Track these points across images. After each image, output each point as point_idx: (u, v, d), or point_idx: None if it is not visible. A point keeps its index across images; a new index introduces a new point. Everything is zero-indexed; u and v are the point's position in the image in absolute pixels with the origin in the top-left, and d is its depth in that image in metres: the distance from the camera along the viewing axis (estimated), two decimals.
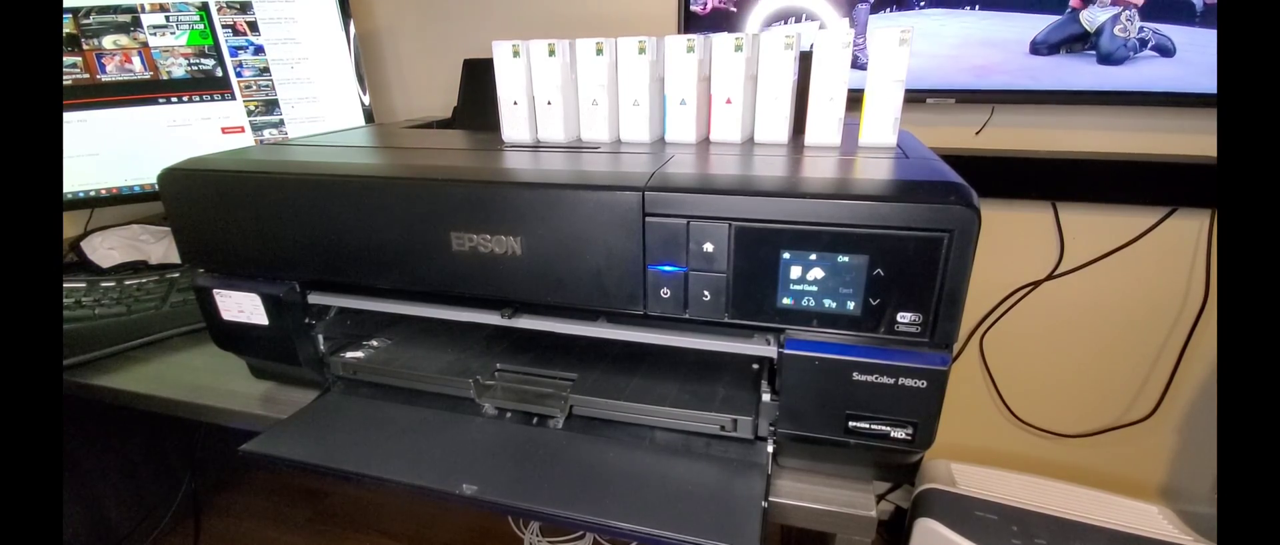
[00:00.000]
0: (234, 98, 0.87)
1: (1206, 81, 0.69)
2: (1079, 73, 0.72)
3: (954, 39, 0.74)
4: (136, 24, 0.80)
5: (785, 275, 0.37)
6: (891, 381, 0.37)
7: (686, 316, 0.40)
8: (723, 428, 0.44)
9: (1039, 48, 0.73)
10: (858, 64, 0.44)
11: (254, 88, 0.87)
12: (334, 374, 0.54)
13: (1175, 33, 0.67)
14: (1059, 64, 0.73)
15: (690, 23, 0.84)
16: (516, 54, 0.53)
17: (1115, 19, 0.66)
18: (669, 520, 0.37)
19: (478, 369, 0.51)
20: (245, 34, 0.85)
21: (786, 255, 0.37)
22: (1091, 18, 0.67)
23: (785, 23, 0.81)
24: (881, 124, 0.48)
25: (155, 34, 0.81)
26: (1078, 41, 0.70)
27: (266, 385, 0.56)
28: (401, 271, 0.44)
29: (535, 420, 0.48)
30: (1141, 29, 0.68)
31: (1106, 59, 0.70)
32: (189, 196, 0.48)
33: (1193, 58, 0.67)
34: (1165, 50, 0.68)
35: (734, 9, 0.82)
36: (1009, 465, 0.93)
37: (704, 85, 0.53)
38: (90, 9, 0.78)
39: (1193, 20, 0.66)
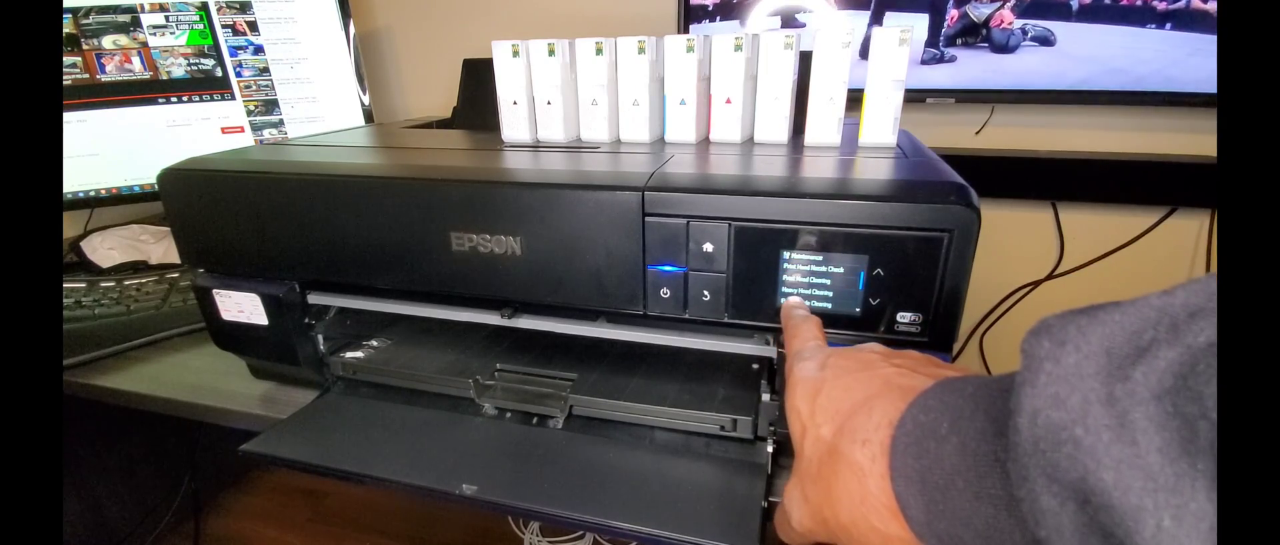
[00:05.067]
0: (234, 98, 0.87)
1: (1080, 70, 0.76)
2: (976, 65, 0.80)
3: None
4: (136, 24, 0.80)
5: (784, 275, 0.37)
6: None
7: (686, 316, 0.40)
8: (723, 428, 0.44)
9: (945, 42, 0.79)
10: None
11: (254, 88, 0.87)
12: (334, 374, 0.54)
13: (1054, 26, 0.76)
14: (952, 70, 0.80)
15: (691, 12, 0.84)
16: (516, 54, 0.53)
17: (994, 13, 0.77)
18: (669, 520, 0.37)
19: (478, 369, 0.51)
20: (245, 34, 0.85)
21: (786, 255, 0.37)
22: (978, 13, 0.77)
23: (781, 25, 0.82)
24: (881, 124, 0.48)
25: (155, 34, 0.81)
26: (971, 34, 0.78)
27: (266, 385, 0.56)
28: (401, 271, 0.44)
29: (535, 420, 0.48)
30: (1026, 24, 0.76)
31: (1000, 49, 0.78)
32: (189, 196, 0.48)
33: (1070, 49, 0.76)
34: (1046, 41, 0.76)
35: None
36: None
37: (704, 85, 0.53)
38: (90, 9, 0.78)
39: (1069, 17, 0.75)
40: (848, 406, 0.25)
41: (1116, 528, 0.14)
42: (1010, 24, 0.76)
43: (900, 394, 0.23)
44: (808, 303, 0.38)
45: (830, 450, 0.25)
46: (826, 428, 0.26)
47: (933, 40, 0.79)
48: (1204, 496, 0.12)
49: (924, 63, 0.80)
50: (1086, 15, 0.74)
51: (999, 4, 0.75)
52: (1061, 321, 0.17)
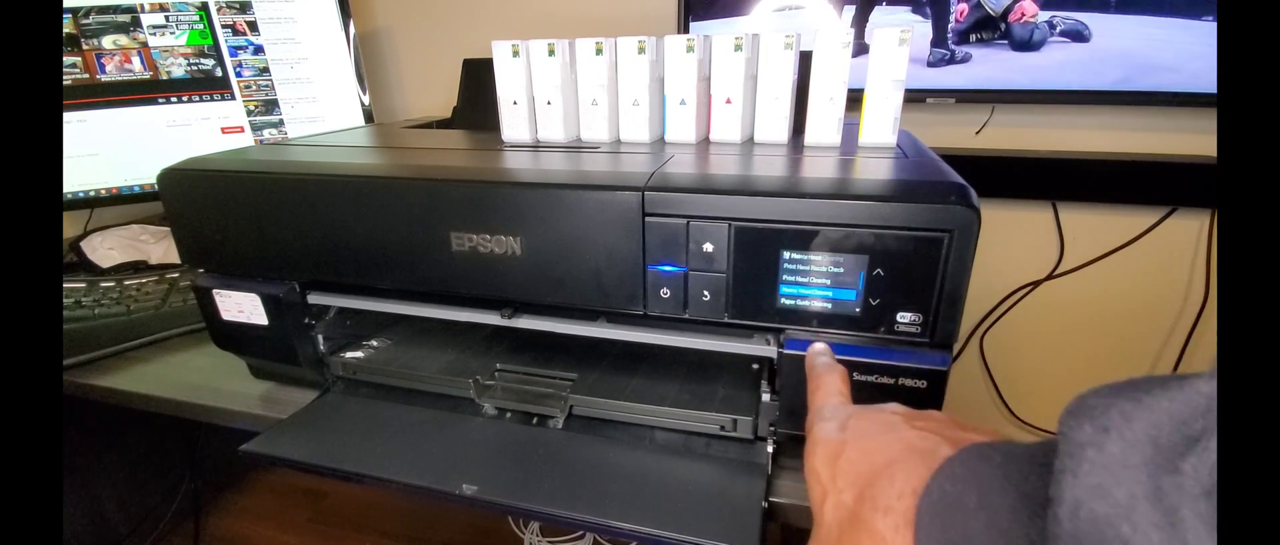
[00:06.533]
0: (234, 98, 0.87)
1: (1111, 70, 0.68)
2: (990, 62, 0.72)
3: None
4: (136, 24, 0.80)
5: (785, 275, 0.37)
6: (891, 382, 0.37)
7: (686, 316, 0.40)
8: (723, 428, 0.44)
9: (956, 38, 0.72)
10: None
11: (254, 88, 0.87)
12: (334, 374, 0.54)
13: (1088, 19, 0.67)
14: (960, 71, 0.72)
15: (691, 7, 0.84)
16: (516, 54, 0.53)
17: (1014, 4, 0.67)
18: (669, 520, 0.37)
19: (478, 369, 0.51)
20: (245, 34, 0.85)
21: (786, 255, 0.37)
22: (996, 4, 0.68)
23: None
24: (881, 124, 0.48)
25: (155, 34, 0.81)
26: (986, 29, 0.70)
27: (266, 385, 0.56)
28: (401, 271, 0.44)
29: (535, 420, 0.48)
30: (1053, 16, 0.67)
31: (1022, 46, 0.70)
32: (189, 196, 0.48)
33: (1106, 45, 0.67)
34: (1078, 35, 0.68)
35: None
36: None
37: (704, 85, 0.53)
38: (90, 9, 0.78)
39: (1106, 8, 0.66)
40: (868, 471, 0.24)
41: None
42: (1032, 16, 0.68)
43: (922, 460, 0.23)
44: (809, 301, 0.38)
45: (852, 517, 0.24)
46: (848, 493, 0.25)
47: (939, 39, 0.72)
48: None
49: (932, 65, 0.73)
50: (1127, 6, 0.64)
51: None
52: (1104, 404, 0.16)
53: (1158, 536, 0.13)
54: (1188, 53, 0.65)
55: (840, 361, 0.36)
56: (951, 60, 0.73)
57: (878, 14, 0.76)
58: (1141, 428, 0.14)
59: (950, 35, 0.72)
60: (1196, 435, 0.13)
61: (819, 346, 0.37)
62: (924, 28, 0.73)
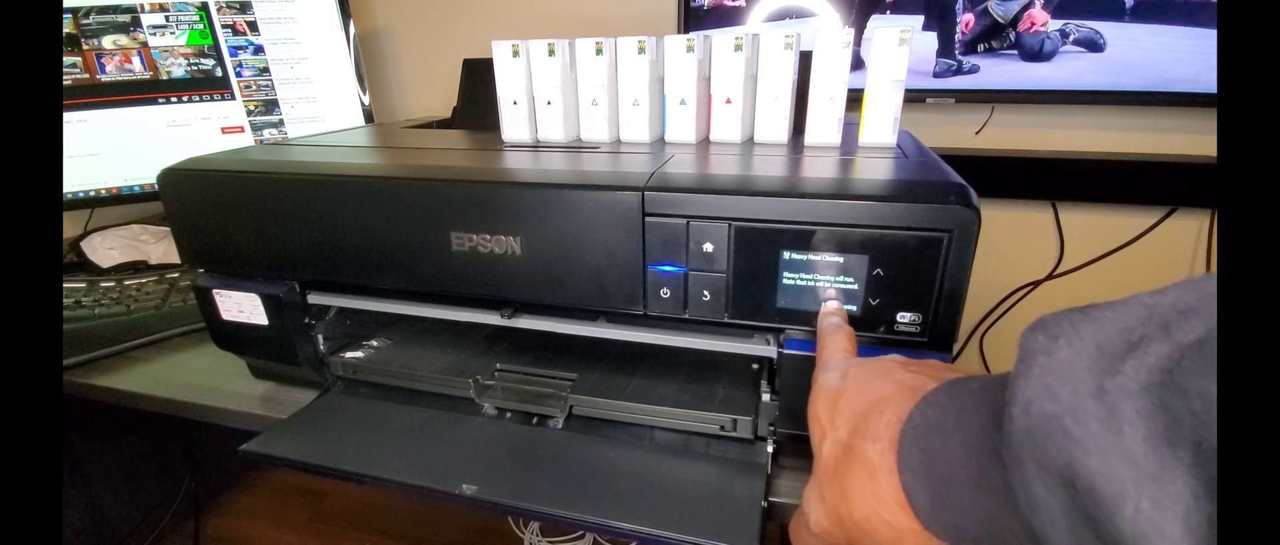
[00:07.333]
0: (234, 98, 0.87)
1: (1133, 77, 0.66)
2: (998, 72, 0.68)
3: None
4: (136, 24, 0.80)
5: (785, 275, 0.37)
6: None
7: (686, 316, 0.40)
8: (723, 428, 0.44)
9: (963, 49, 0.69)
10: None
11: (254, 88, 0.87)
12: (334, 374, 0.54)
13: (1104, 28, 0.64)
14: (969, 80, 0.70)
15: (691, 18, 0.84)
16: (516, 54, 0.53)
17: (1022, 11, 0.64)
18: (669, 520, 0.37)
19: (478, 369, 0.51)
20: (245, 34, 0.85)
21: (786, 255, 0.37)
22: (1005, 10, 0.65)
23: (784, 20, 0.81)
24: (881, 124, 0.48)
25: (155, 34, 0.81)
26: (995, 37, 0.67)
27: (266, 385, 0.56)
28: (401, 271, 0.44)
29: (535, 420, 0.48)
30: (1065, 24, 0.65)
31: (1032, 55, 0.67)
32: (189, 196, 0.48)
33: (1122, 54, 0.64)
34: (1093, 44, 0.66)
35: (741, 3, 0.81)
36: None
37: (704, 85, 0.53)
38: (90, 9, 0.78)
39: (1121, 16, 0.63)
40: (863, 409, 0.26)
41: (1099, 511, 0.14)
42: (1043, 26, 0.65)
43: (910, 394, 0.24)
44: (808, 302, 0.37)
45: (846, 450, 0.26)
46: (844, 430, 0.27)
47: (945, 50, 0.70)
48: (1182, 483, 0.13)
49: (938, 75, 0.71)
50: (1144, 14, 0.62)
51: (1026, 1, 0.64)
52: (1056, 318, 0.18)
53: (1097, 426, 0.15)
54: (1207, 65, 0.64)
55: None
56: (959, 72, 0.71)
57: (877, 21, 0.75)
58: (1088, 336, 0.16)
59: (957, 46, 0.70)
60: (1137, 341, 0.15)
61: (831, 306, 0.37)
62: (928, 38, 0.71)
